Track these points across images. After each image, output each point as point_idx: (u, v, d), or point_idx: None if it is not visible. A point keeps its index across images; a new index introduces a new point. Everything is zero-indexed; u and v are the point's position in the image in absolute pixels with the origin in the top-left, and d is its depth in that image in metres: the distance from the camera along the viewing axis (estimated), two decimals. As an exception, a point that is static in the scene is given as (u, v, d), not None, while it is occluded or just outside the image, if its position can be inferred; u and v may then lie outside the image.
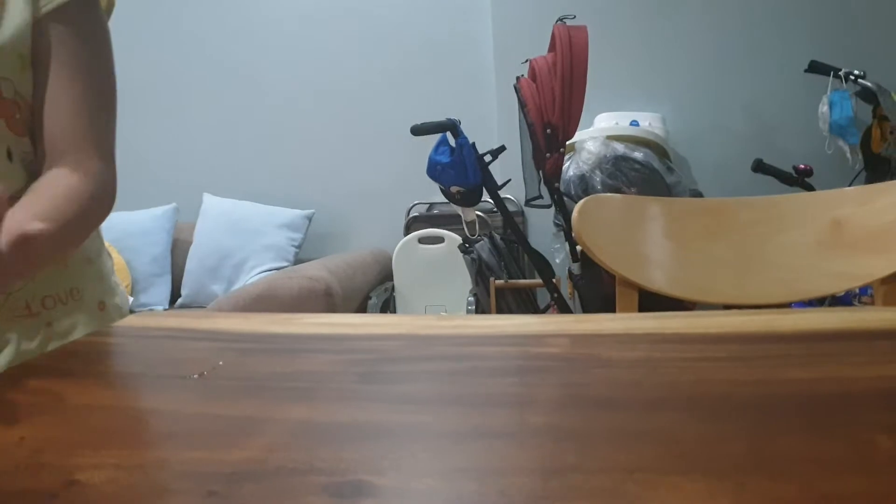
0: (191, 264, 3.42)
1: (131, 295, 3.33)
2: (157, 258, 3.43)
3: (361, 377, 0.67)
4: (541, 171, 2.44)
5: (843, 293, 2.26)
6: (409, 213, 3.60)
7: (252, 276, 3.25)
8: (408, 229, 3.49)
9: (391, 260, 3.41)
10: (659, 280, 1.25)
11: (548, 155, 2.33)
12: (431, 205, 3.60)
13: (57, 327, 0.93)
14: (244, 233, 3.36)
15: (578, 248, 2.59)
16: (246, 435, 0.55)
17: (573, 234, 1.24)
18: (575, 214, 1.24)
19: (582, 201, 1.25)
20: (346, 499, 0.45)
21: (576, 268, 2.58)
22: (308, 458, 0.51)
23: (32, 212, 0.76)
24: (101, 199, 0.90)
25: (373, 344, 0.76)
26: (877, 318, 0.73)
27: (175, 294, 3.46)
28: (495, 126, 3.32)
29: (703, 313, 0.79)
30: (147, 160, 3.84)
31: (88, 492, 0.48)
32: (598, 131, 2.87)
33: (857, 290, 2.34)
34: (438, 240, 3.33)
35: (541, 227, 3.34)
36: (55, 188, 0.84)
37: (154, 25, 3.76)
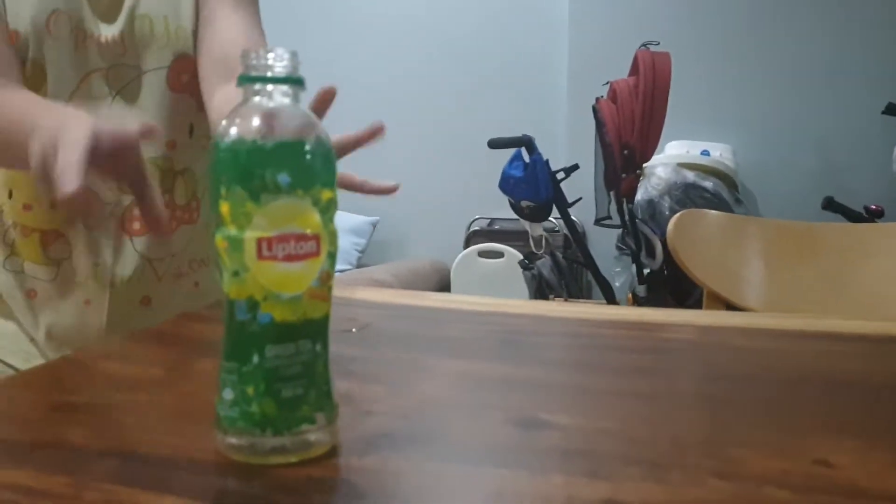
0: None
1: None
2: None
3: (503, 342, 0.71)
4: (612, 193, 2.48)
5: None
6: (469, 227, 3.66)
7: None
8: (468, 242, 3.54)
9: (449, 271, 3.46)
10: (748, 297, 1.29)
11: (623, 176, 2.37)
12: (493, 220, 3.65)
13: (202, 287, 1.01)
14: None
15: (646, 270, 2.62)
16: (417, 378, 0.60)
17: (668, 245, 1.28)
18: (671, 226, 1.28)
19: (679, 214, 1.29)
20: (530, 430, 0.50)
21: (641, 290, 2.60)
22: (481, 398, 0.56)
23: None
24: None
25: (505, 319, 0.81)
26: None
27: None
28: (564, 145, 3.36)
29: (820, 315, 0.82)
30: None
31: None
32: (668, 158, 2.90)
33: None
34: (498, 255, 3.37)
35: (601, 250, 3.37)
36: None
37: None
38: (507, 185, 2.58)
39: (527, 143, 2.58)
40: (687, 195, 2.76)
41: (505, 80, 3.60)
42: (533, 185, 2.55)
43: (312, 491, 0.42)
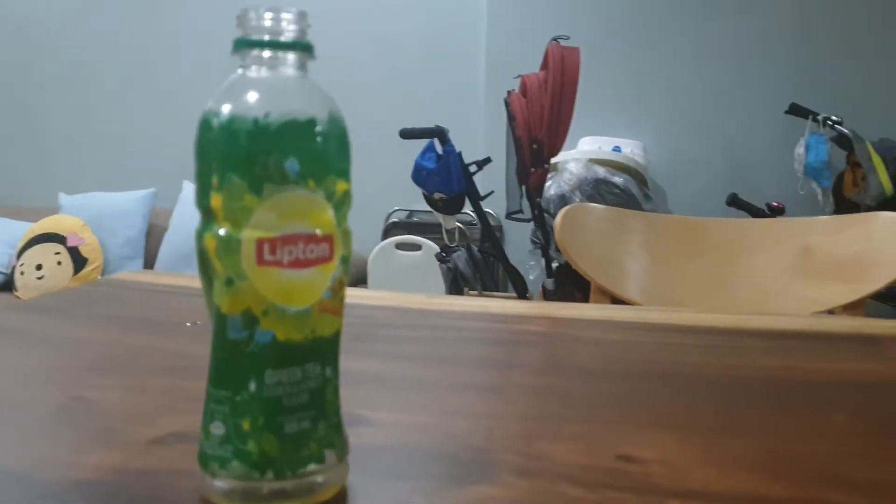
0: (164, 250, 3.41)
1: (102, 275, 3.32)
2: (131, 241, 3.42)
3: (354, 337, 0.70)
4: (523, 186, 2.49)
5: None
6: (388, 219, 3.63)
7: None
8: (386, 234, 3.51)
9: (366, 263, 3.44)
10: (632, 290, 1.30)
11: (532, 170, 2.38)
12: (412, 212, 3.63)
13: None
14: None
15: (554, 264, 2.64)
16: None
17: (555, 239, 1.28)
18: (558, 220, 1.28)
19: (567, 208, 1.29)
20: (348, 427, 0.48)
21: (550, 283, 2.62)
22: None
23: None
24: None
25: (365, 312, 0.79)
26: (840, 323, 0.78)
27: (147, 279, 3.45)
28: (481, 138, 3.36)
29: (679, 309, 0.83)
30: (129, 143, 3.84)
31: (94, 406, 0.51)
32: (580, 153, 2.92)
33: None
34: (416, 247, 3.36)
35: (517, 244, 3.38)
36: None
37: (144, 8, 3.77)
38: (419, 176, 2.57)
39: (439, 133, 2.57)
40: (597, 190, 2.79)
41: (423, 70, 3.58)
42: (445, 177, 2.55)
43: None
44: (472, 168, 2.58)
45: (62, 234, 3.24)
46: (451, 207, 2.62)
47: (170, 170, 3.68)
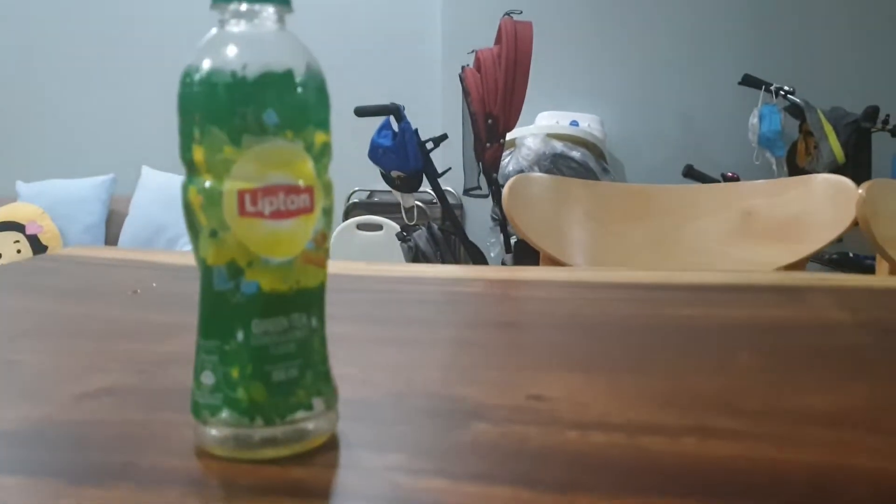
0: (125, 236, 3.39)
1: (62, 263, 3.29)
2: (91, 228, 3.40)
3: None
4: (480, 162, 2.50)
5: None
6: (349, 200, 3.63)
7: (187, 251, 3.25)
8: (347, 215, 3.52)
9: (329, 244, 3.44)
10: (579, 258, 1.32)
11: (488, 145, 2.39)
12: (372, 192, 3.64)
13: None
14: (180, 208, 3.35)
15: (513, 239, 2.66)
16: (174, 335, 0.59)
17: (502, 209, 1.30)
18: (505, 191, 1.30)
19: (512, 178, 1.31)
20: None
21: (508, 259, 2.65)
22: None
23: None
24: None
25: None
26: (764, 277, 0.81)
27: (108, 265, 3.43)
28: (440, 114, 3.37)
29: (611, 269, 0.85)
30: (86, 129, 3.79)
31: (26, 369, 0.52)
32: (538, 129, 2.94)
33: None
34: (377, 227, 3.37)
35: (478, 220, 3.40)
36: None
37: (102, -6, 3.72)
38: (375, 154, 2.57)
39: (394, 111, 2.57)
40: (555, 165, 2.82)
41: (379, 46, 3.57)
42: (402, 154, 2.55)
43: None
44: (429, 145, 2.59)
45: (21, 222, 3.20)
46: (409, 185, 2.63)
47: (128, 156, 3.65)
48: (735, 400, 0.46)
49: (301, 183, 0.37)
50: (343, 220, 3.43)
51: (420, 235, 2.97)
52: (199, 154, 0.36)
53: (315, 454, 0.38)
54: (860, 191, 1.17)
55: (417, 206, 2.98)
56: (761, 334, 0.60)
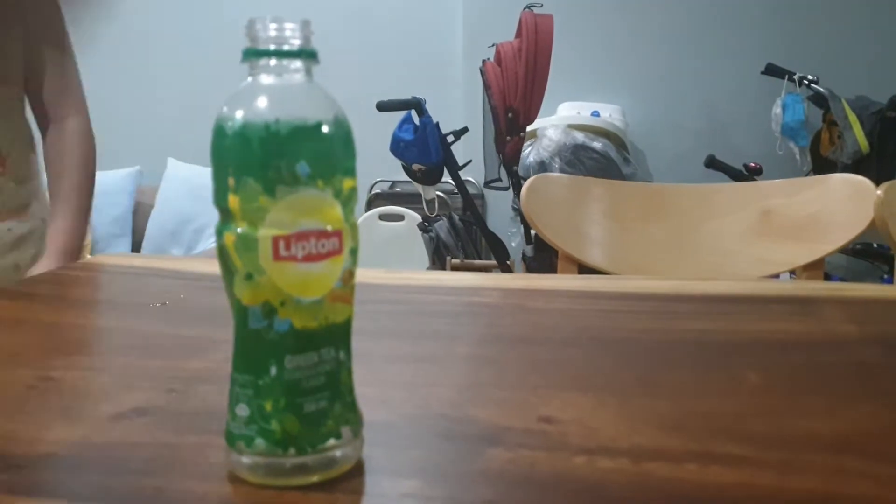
0: (151, 227, 3.44)
1: (90, 254, 3.34)
2: (118, 219, 3.45)
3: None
4: (500, 154, 2.51)
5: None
6: (371, 190, 3.66)
7: (211, 242, 3.28)
8: (369, 205, 3.54)
9: (351, 234, 3.46)
10: (598, 257, 1.34)
11: (508, 138, 2.40)
12: (394, 183, 3.66)
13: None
14: (206, 199, 3.36)
15: (533, 231, 2.67)
16: (203, 350, 0.62)
17: (521, 210, 1.31)
18: (524, 191, 1.32)
19: (531, 179, 1.33)
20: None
21: (529, 250, 2.66)
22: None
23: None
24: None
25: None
26: (776, 287, 0.82)
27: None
28: (460, 108, 3.38)
29: (626, 277, 0.87)
30: (113, 121, 3.82)
31: (62, 386, 0.55)
32: (559, 119, 2.94)
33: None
34: (399, 217, 3.39)
35: (499, 211, 3.41)
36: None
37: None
38: (397, 147, 2.59)
39: (415, 105, 2.59)
40: (576, 156, 2.82)
41: (401, 41, 3.58)
42: (423, 147, 2.57)
43: None
44: (450, 138, 2.60)
45: (48, 214, 3.26)
46: (430, 178, 2.65)
47: (154, 147, 3.70)
48: (740, 424, 0.47)
49: (330, 228, 0.39)
50: (365, 211, 3.46)
51: (441, 226, 2.99)
52: (234, 203, 0.38)
53: (337, 479, 0.40)
54: (878, 192, 1.17)
55: (438, 196, 3.00)
56: (770, 351, 0.61)
